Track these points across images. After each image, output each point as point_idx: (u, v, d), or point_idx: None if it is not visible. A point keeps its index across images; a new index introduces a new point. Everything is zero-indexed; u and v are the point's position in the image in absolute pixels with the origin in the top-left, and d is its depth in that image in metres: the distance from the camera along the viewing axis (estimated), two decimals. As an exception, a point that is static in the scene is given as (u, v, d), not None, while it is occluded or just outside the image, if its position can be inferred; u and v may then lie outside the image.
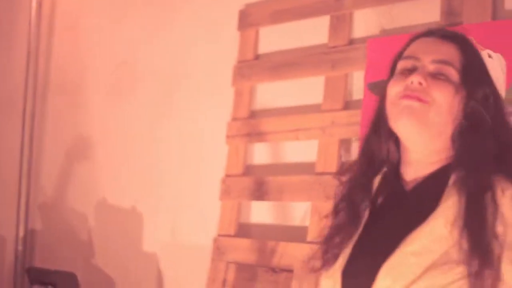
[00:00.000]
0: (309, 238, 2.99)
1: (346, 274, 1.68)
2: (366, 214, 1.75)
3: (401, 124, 1.69)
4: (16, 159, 4.45)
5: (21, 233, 4.34)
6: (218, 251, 3.32)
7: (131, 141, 4.01)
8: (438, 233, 1.56)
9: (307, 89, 3.18)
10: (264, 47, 3.42)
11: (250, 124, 3.34)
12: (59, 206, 4.34)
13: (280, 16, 3.34)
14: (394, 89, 1.72)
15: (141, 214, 3.88)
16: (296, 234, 3.08)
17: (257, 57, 3.42)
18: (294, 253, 3.01)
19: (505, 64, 2.52)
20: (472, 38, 1.85)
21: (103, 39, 4.27)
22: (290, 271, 3.01)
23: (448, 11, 2.74)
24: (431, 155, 1.70)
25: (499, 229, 1.55)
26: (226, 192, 3.36)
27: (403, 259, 1.56)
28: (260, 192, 3.22)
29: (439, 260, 1.54)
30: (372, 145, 1.80)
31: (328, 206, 2.94)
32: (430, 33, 1.80)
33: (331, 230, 1.81)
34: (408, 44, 1.81)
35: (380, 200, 1.77)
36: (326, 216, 1.86)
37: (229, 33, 3.53)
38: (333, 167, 2.98)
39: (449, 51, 1.73)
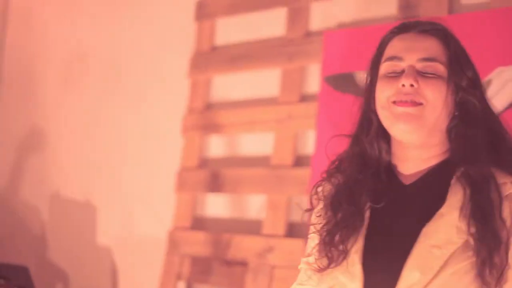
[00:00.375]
0: (264, 231, 2.98)
1: (367, 270, 1.68)
2: (367, 211, 1.75)
3: (398, 129, 1.71)
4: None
5: (-28, 227, 4.27)
6: (173, 244, 3.30)
7: (85, 133, 3.97)
8: (455, 225, 1.62)
9: (264, 81, 3.18)
10: (221, 39, 3.40)
11: (206, 116, 3.32)
12: (10, 199, 4.28)
13: (238, 7, 3.32)
14: (384, 94, 1.73)
15: (95, 207, 3.84)
16: (252, 227, 3.08)
17: (213, 48, 3.40)
18: (249, 246, 3.00)
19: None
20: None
21: (55, 30, 4.22)
22: (245, 264, 3.00)
23: (405, 4, 2.74)
24: (429, 150, 1.74)
25: (505, 216, 1.60)
26: (181, 185, 3.33)
27: (427, 252, 1.61)
28: (215, 184, 3.20)
29: (459, 250, 1.60)
30: (362, 144, 1.80)
31: (283, 199, 2.96)
32: (407, 27, 1.78)
33: (330, 227, 1.78)
34: (385, 42, 1.80)
35: (380, 197, 1.75)
36: (307, 210, 1.84)
37: (185, 24, 3.50)
38: (289, 160, 2.97)
39: (433, 47, 1.73)
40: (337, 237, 1.74)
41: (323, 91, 2.87)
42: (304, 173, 2.88)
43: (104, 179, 3.82)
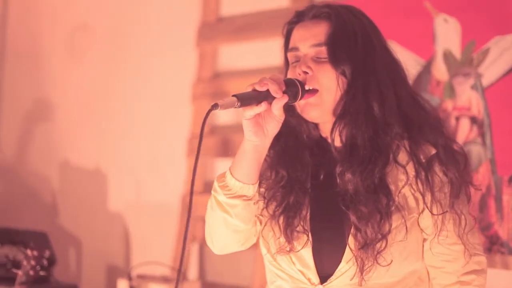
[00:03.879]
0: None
1: (315, 237, 1.84)
2: (308, 184, 1.88)
3: (306, 116, 1.84)
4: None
5: (-15, 196, 4.36)
6: (186, 208, 3.43)
7: (93, 102, 4.06)
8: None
9: (269, 51, 3.28)
10: (227, 10, 3.51)
11: (214, 85, 3.45)
12: (21, 169, 4.38)
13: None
14: None
15: (105, 174, 3.95)
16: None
17: (219, 19, 3.51)
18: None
19: (460, 28, 2.68)
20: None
21: (58, 1, 4.30)
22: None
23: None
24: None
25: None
26: (192, 151, 3.47)
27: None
28: (225, 150, 3.34)
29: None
30: (291, 124, 1.89)
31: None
32: (301, 15, 1.89)
33: (277, 206, 1.89)
34: (289, 33, 1.91)
35: (318, 170, 1.89)
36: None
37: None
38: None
39: (322, 31, 1.83)
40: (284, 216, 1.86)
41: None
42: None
43: (113, 147, 3.92)
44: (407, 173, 1.80)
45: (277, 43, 3.26)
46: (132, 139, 3.83)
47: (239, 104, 1.69)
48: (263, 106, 1.73)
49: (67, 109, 4.19)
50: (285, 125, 1.83)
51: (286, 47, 1.90)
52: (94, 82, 4.05)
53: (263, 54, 3.35)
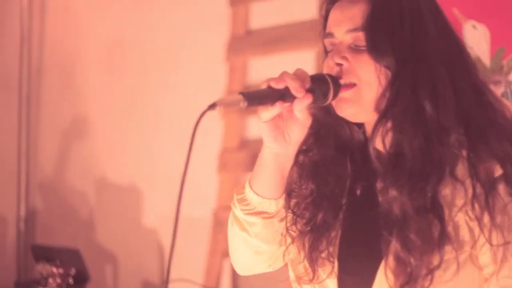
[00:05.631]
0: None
1: (342, 271, 1.53)
2: (344, 200, 1.55)
3: (341, 113, 1.51)
4: (14, 141, 4.50)
5: (22, 212, 4.39)
6: (217, 223, 3.41)
7: (127, 118, 4.06)
8: None
9: (299, 63, 3.22)
10: (256, 23, 3.48)
11: (244, 99, 3.41)
12: (58, 185, 4.40)
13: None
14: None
15: (140, 190, 3.95)
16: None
17: (248, 32, 3.49)
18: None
19: (489, 35, 2.60)
20: None
21: (94, 17, 4.30)
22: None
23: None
24: None
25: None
26: (223, 166, 3.44)
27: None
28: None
29: None
30: (329, 124, 1.57)
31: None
32: None
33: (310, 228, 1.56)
34: (327, 14, 1.57)
35: (356, 183, 1.56)
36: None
37: (220, 9, 3.58)
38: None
39: (359, 12, 1.49)
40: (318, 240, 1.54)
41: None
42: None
43: (148, 162, 3.92)
44: (466, 192, 1.41)
45: (308, 54, 3.28)
46: (166, 154, 3.82)
47: (245, 103, 1.41)
48: (277, 107, 1.44)
49: (103, 126, 4.20)
50: (322, 125, 1.55)
51: (323, 32, 1.56)
52: (127, 97, 4.06)
53: (293, 66, 3.27)
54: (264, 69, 3.43)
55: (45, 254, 3.64)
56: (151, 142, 3.92)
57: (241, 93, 1.42)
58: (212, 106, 1.39)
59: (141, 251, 3.92)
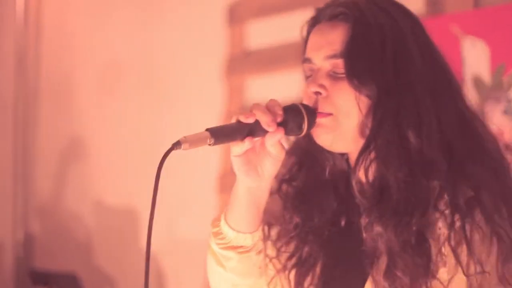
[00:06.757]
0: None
1: None
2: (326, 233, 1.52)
3: (318, 140, 1.47)
4: (9, 164, 4.48)
5: (20, 237, 4.36)
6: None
7: (124, 140, 4.04)
8: None
9: (297, 83, 3.22)
10: (253, 42, 3.46)
11: (242, 119, 3.39)
12: (56, 208, 4.36)
13: (267, 10, 3.38)
14: (304, 101, 1.50)
15: (138, 212, 3.92)
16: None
17: (246, 52, 3.47)
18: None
19: (489, 51, 2.58)
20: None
21: (88, 40, 4.29)
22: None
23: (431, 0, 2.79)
24: None
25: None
26: (222, 188, 3.40)
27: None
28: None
29: None
30: (312, 153, 1.53)
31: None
32: (318, 16, 1.51)
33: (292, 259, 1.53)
34: (306, 38, 1.55)
35: (339, 215, 1.52)
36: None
37: (217, 29, 3.56)
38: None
39: (338, 37, 1.42)
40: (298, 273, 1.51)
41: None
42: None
43: (145, 183, 3.87)
44: (447, 222, 1.36)
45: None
46: (164, 177, 3.78)
47: (212, 140, 1.38)
48: (247, 143, 1.38)
49: (100, 147, 4.18)
50: (306, 153, 1.51)
51: (303, 55, 1.53)
52: (124, 119, 4.04)
53: (292, 85, 3.28)
54: (263, 89, 3.41)
55: (43, 279, 3.61)
56: (149, 163, 3.87)
57: (208, 129, 1.40)
58: (177, 145, 1.38)
59: (139, 274, 3.85)
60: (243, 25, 3.48)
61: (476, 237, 1.33)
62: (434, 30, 2.74)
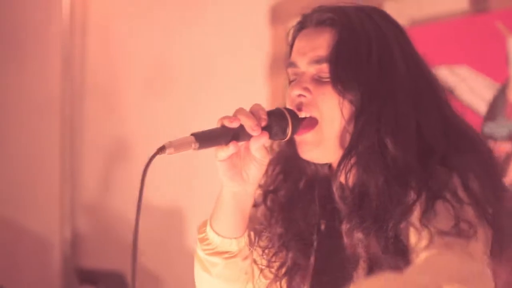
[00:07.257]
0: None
1: None
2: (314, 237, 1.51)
3: (304, 156, 1.46)
4: (56, 163, 4.52)
5: (67, 235, 4.40)
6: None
7: (168, 140, 4.04)
8: None
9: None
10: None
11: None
12: (102, 207, 4.41)
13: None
14: (288, 105, 1.50)
15: (183, 212, 3.94)
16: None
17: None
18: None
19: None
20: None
21: (134, 40, 4.33)
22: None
23: (476, -1, 2.77)
24: None
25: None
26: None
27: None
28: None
29: None
30: (295, 160, 1.51)
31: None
32: (305, 21, 1.51)
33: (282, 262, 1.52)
34: (291, 42, 1.54)
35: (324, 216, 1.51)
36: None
37: (260, 30, 3.57)
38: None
39: (324, 43, 1.43)
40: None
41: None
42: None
43: (190, 183, 3.91)
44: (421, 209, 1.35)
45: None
46: (208, 176, 3.79)
47: (197, 145, 1.37)
48: (231, 147, 1.42)
49: (144, 147, 4.18)
50: (288, 160, 1.50)
51: (288, 59, 1.54)
52: (169, 120, 4.06)
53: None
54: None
55: (90, 278, 3.63)
56: (193, 163, 3.91)
57: (193, 134, 1.40)
58: (162, 149, 1.36)
59: (185, 274, 3.87)
60: (286, 25, 3.47)
61: (442, 207, 1.32)
62: (479, 28, 2.74)
